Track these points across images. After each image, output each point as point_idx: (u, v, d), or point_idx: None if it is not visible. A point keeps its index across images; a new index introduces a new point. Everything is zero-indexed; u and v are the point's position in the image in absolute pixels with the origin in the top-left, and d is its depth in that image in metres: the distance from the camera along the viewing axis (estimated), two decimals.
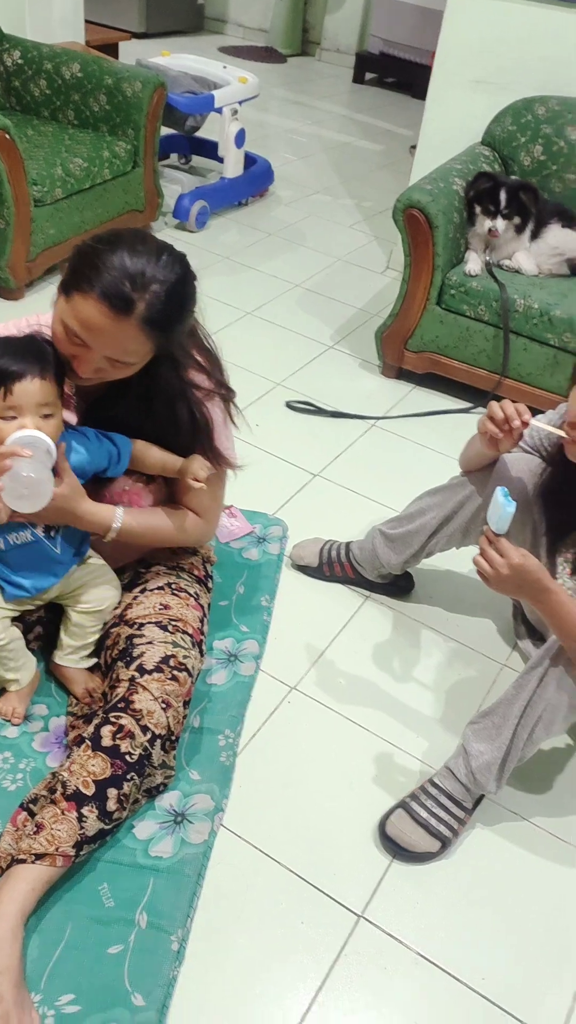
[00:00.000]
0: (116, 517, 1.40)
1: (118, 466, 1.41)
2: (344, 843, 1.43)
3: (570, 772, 1.61)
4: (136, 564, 1.61)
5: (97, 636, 1.54)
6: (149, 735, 1.33)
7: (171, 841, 1.37)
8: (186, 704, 1.39)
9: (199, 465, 1.42)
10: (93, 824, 1.26)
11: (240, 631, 1.75)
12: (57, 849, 1.23)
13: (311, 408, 2.49)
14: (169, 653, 1.39)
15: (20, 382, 1.23)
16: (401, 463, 2.34)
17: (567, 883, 1.43)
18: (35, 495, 1.22)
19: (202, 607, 1.55)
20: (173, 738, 1.37)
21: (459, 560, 2.05)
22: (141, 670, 1.37)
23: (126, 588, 1.56)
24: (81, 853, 1.26)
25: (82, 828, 1.25)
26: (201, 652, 1.50)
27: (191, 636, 1.46)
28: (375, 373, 2.73)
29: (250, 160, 3.78)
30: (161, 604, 1.49)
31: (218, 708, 1.58)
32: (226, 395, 1.46)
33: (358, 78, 6.15)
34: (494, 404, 1.48)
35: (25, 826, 1.29)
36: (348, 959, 1.29)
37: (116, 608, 1.53)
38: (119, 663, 1.43)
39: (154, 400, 1.38)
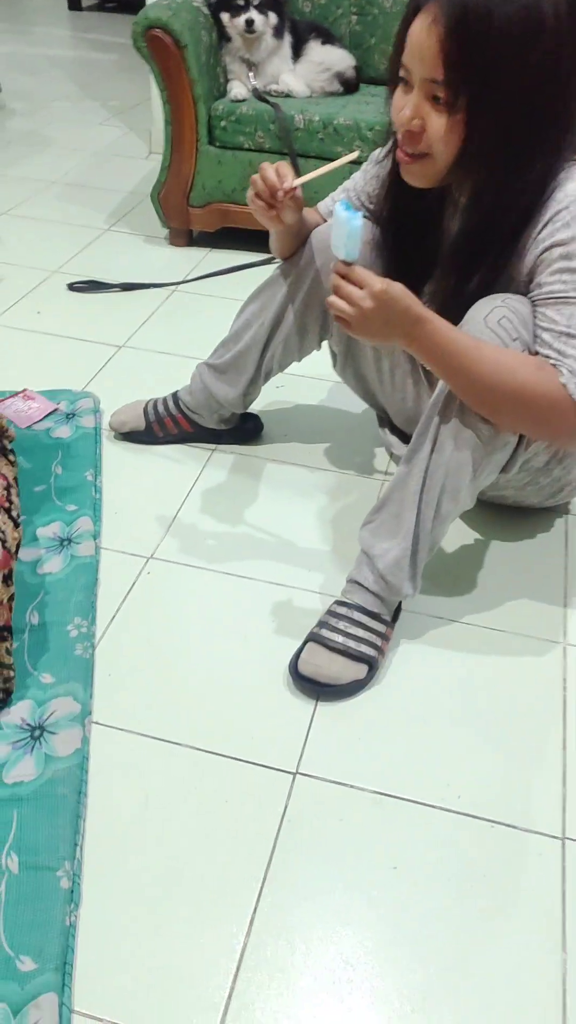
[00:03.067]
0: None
1: None
2: (253, 702, 1.14)
3: (484, 564, 1.40)
4: None
5: None
6: None
7: (31, 761, 1.03)
8: (6, 579, 1.04)
9: None
10: None
11: (67, 512, 1.40)
12: None
13: (98, 284, 2.14)
14: None
15: None
16: (214, 320, 2.04)
17: (516, 671, 1.22)
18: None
19: (4, 476, 1.20)
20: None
21: (307, 389, 1.80)
22: None
23: None
24: None
25: None
26: (15, 521, 1.15)
27: None
28: (163, 245, 2.41)
29: None
30: None
31: (59, 598, 1.24)
32: None
33: (74, 5, 5.69)
34: (255, 177, 1.22)
35: None
36: (293, 823, 1.01)
37: None
38: None
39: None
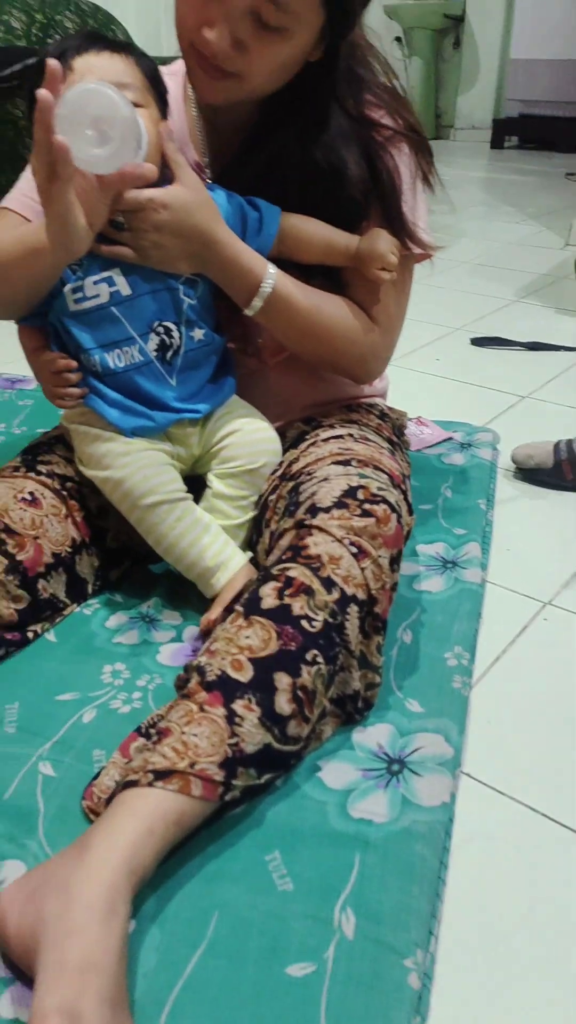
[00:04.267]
0: (267, 272, 0.93)
1: (258, 237, 0.96)
2: None
3: None
4: (301, 423, 1.11)
5: (250, 514, 1.03)
6: (337, 593, 0.78)
7: (384, 798, 0.78)
8: (394, 562, 0.84)
9: (385, 243, 0.95)
10: (253, 731, 0.71)
11: (454, 534, 1.18)
12: (192, 765, 0.68)
13: (502, 341, 1.98)
14: (356, 484, 0.87)
15: (83, 55, 0.85)
16: None
17: None
18: (119, 138, 0.77)
19: (400, 464, 1.03)
20: (377, 611, 0.82)
21: None
22: (313, 510, 0.85)
23: (289, 448, 1.07)
24: (234, 783, 0.71)
25: (235, 735, 0.71)
26: (409, 507, 0.97)
27: (388, 475, 0.93)
28: None
29: None
30: (341, 447, 0.98)
31: (438, 621, 1.01)
32: (418, 140, 1.01)
33: (497, 144, 5.96)
34: None
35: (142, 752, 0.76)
36: None
37: (275, 472, 1.03)
38: (280, 521, 0.93)
39: (312, 144, 0.94)
